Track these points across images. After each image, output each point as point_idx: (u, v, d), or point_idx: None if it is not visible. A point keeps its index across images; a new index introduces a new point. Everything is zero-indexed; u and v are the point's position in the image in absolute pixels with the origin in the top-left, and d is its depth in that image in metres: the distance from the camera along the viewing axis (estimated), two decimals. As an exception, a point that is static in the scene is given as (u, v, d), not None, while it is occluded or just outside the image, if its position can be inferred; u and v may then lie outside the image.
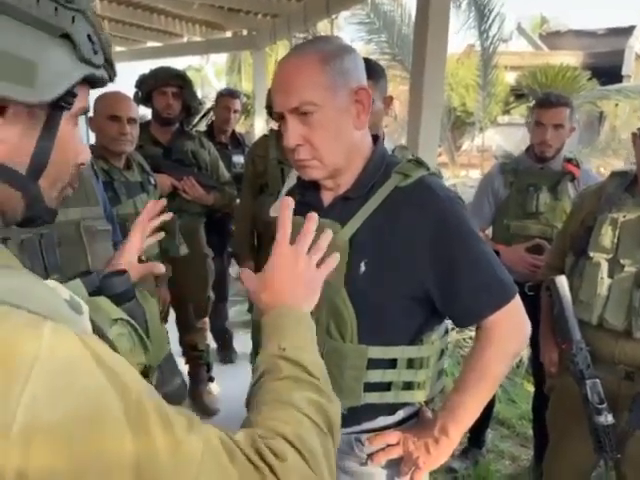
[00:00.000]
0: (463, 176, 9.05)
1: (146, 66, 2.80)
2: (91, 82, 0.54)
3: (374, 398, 0.99)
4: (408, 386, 1.00)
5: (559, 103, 2.11)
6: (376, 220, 0.95)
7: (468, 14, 6.02)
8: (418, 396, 1.02)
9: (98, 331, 0.50)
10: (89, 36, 0.50)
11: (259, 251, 2.76)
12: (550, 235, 2.12)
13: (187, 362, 2.86)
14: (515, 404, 2.96)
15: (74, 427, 0.38)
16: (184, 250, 2.11)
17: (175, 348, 2.87)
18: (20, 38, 0.45)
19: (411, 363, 0.99)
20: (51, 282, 0.48)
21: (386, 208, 0.95)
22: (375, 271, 0.94)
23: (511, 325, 0.96)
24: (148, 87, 2.47)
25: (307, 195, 1.06)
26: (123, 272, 0.70)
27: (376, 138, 1.05)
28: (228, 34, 5.86)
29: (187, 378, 2.85)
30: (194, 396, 2.80)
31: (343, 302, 0.94)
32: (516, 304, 0.97)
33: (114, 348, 0.49)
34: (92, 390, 0.40)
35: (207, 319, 2.94)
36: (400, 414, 1.06)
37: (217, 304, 3.09)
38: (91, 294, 0.62)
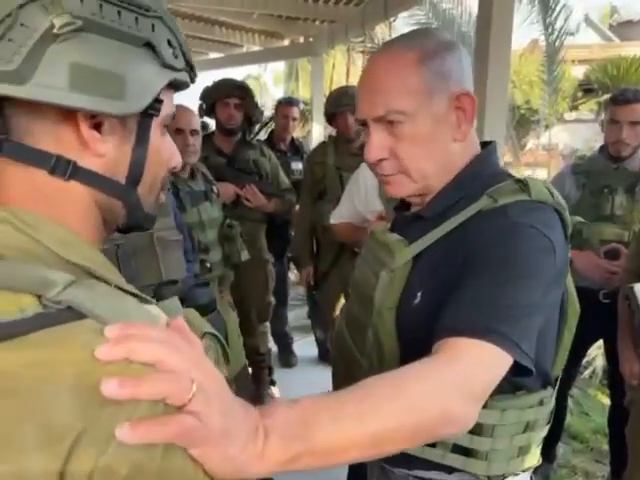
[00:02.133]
0: (528, 176, 8.71)
1: (209, 77, 2.88)
2: (174, 86, 0.55)
3: (413, 449, 0.81)
4: (461, 450, 0.82)
5: (636, 99, 1.98)
6: (441, 247, 0.81)
7: (530, 8, 5.79)
8: (475, 467, 0.82)
9: None
10: (169, 41, 0.51)
11: (318, 256, 2.79)
12: (627, 239, 1.99)
13: (250, 365, 2.92)
14: (588, 417, 2.80)
15: None
16: (245, 256, 2.16)
17: (238, 351, 2.96)
18: (107, 53, 0.46)
19: None
20: (153, 308, 0.49)
21: (456, 235, 0.80)
22: (430, 305, 0.77)
23: (473, 373, 0.65)
24: (211, 99, 2.55)
25: (399, 210, 0.97)
26: (206, 284, 0.70)
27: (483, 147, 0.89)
28: (286, 42, 5.96)
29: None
30: (256, 399, 2.85)
31: (386, 330, 0.82)
32: (493, 359, 0.66)
33: None
34: None
35: (268, 323, 2.99)
36: (453, 478, 0.85)
37: (277, 308, 3.14)
38: (180, 301, 0.62)
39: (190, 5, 4.36)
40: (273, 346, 3.30)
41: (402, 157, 0.82)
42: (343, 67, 9.14)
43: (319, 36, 5.10)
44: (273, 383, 3.02)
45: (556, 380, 0.90)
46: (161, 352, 0.40)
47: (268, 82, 15.28)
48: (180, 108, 1.92)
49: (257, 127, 2.89)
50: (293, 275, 4.25)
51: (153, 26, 0.49)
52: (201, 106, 2.60)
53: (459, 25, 5.98)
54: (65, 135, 0.47)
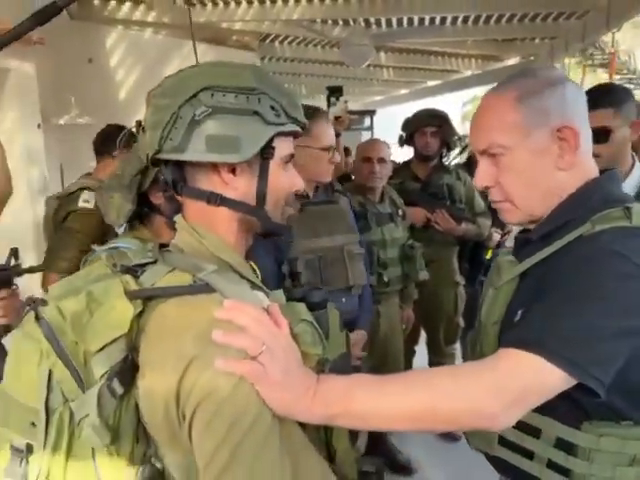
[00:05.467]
0: None
1: (427, 103, 3.05)
2: (289, 134, 0.75)
3: (508, 456, 0.89)
4: (559, 470, 0.84)
5: None
6: (542, 270, 0.84)
7: None
8: None
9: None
10: (272, 107, 0.71)
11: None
12: None
13: (436, 384, 2.97)
14: None
15: None
16: (424, 275, 2.27)
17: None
18: (227, 124, 0.69)
19: (562, 444, 0.84)
20: (261, 294, 0.71)
21: (556, 259, 0.83)
22: None
23: (506, 378, 0.70)
24: (411, 129, 2.75)
25: (519, 234, 1.01)
26: (319, 288, 0.89)
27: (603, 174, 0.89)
28: (507, 62, 5.85)
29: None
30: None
31: (489, 344, 0.89)
32: (542, 373, 0.70)
33: (296, 338, 0.70)
34: None
35: (458, 346, 3.01)
36: None
37: (468, 332, 3.12)
38: (300, 299, 0.82)
39: (406, 41, 4.68)
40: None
41: (505, 186, 0.89)
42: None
43: (539, 54, 4.92)
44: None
45: None
46: (250, 322, 0.62)
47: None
48: (371, 140, 2.18)
49: (455, 152, 2.97)
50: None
51: (259, 99, 0.71)
52: (401, 137, 2.81)
53: None
54: (214, 178, 0.73)
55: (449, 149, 2.80)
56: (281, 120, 0.73)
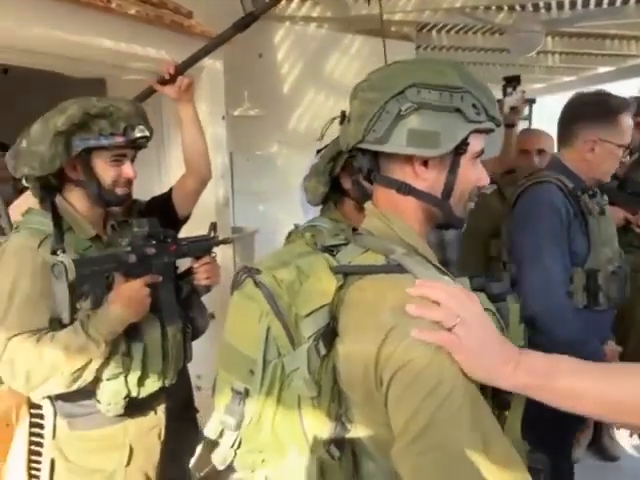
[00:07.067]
0: None
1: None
2: (484, 131, 0.79)
3: None
4: None
5: None
6: None
7: None
8: None
9: None
10: (474, 105, 0.75)
11: None
12: None
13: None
14: None
15: None
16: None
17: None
18: (430, 120, 0.73)
19: None
20: (447, 278, 0.76)
21: None
22: None
23: None
24: None
25: None
26: (500, 280, 0.90)
27: None
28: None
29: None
30: (594, 438, 2.71)
31: None
32: None
33: None
34: None
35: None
36: None
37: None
38: (480, 290, 0.86)
39: (580, 25, 4.30)
40: None
41: None
42: None
43: None
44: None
45: None
46: (442, 296, 0.67)
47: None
48: (528, 130, 2.10)
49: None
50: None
51: (462, 97, 0.74)
52: None
53: None
54: (406, 169, 0.79)
55: None
56: (480, 118, 0.76)
